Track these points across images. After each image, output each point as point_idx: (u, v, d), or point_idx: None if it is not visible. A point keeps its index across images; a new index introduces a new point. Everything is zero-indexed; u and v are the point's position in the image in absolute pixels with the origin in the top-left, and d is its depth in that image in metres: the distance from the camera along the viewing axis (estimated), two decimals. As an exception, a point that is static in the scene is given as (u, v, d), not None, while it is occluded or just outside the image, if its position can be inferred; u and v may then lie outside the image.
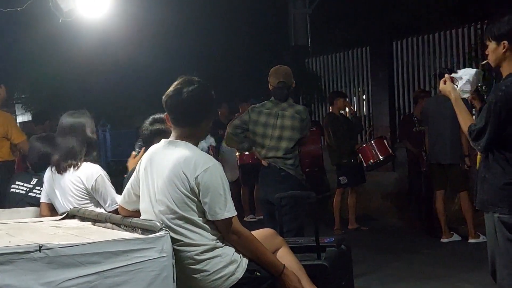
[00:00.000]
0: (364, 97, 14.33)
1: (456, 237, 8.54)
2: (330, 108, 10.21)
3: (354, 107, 12.59)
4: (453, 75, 3.94)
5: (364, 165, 9.47)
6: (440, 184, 8.51)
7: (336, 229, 9.62)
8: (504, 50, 3.70)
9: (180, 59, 13.41)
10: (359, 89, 14.40)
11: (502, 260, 3.73)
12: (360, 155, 9.46)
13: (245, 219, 10.76)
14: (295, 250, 4.07)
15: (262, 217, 10.94)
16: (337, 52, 14.72)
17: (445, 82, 3.93)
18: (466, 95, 3.94)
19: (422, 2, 13.53)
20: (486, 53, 3.82)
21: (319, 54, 15.26)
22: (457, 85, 3.90)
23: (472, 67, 11.19)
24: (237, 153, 10.74)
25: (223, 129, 11.25)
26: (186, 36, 13.86)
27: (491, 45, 3.76)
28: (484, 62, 3.93)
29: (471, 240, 8.28)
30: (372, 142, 9.51)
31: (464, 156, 8.18)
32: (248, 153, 10.78)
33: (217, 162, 3.54)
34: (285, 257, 3.81)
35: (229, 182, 3.57)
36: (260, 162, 6.04)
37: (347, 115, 10.38)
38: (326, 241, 4.36)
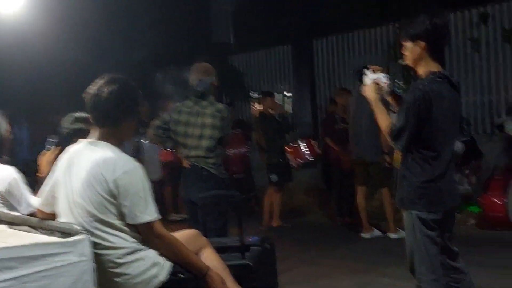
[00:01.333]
0: (286, 93, 14.45)
1: (376, 233, 8.72)
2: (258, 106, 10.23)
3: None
4: (371, 77, 3.99)
5: (292, 164, 9.55)
6: (362, 180, 8.67)
7: (262, 226, 9.68)
8: (420, 50, 3.76)
9: (100, 53, 13.13)
10: (282, 87, 14.52)
11: (420, 256, 3.82)
12: (288, 154, 9.54)
13: (168, 218, 10.65)
14: (219, 250, 4.05)
15: (185, 216, 10.94)
16: (259, 49, 14.80)
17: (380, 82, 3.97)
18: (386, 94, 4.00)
19: (342, 1, 13.71)
20: (403, 52, 3.86)
21: (241, 51, 15.29)
22: (380, 90, 3.96)
23: (391, 66, 11.59)
24: (160, 151, 10.65)
25: (144, 127, 11.17)
26: (106, 30, 13.58)
27: (407, 45, 3.81)
28: (402, 61, 3.97)
29: (391, 235, 8.47)
30: (300, 142, 9.59)
31: (384, 153, 8.36)
32: (171, 151, 10.70)
33: (138, 164, 3.45)
34: (209, 258, 3.78)
35: (151, 181, 3.50)
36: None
37: (276, 115, 10.44)
38: (250, 240, 4.35)
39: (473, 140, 9.81)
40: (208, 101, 5.83)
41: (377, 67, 4.04)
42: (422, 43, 3.74)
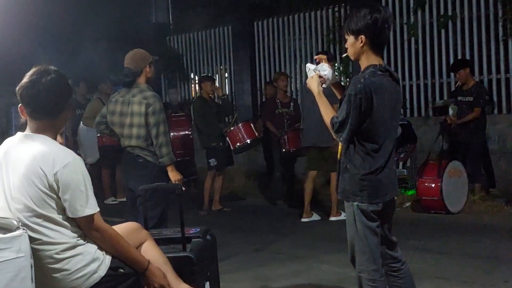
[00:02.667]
0: (226, 75, 14.42)
1: (315, 217, 8.82)
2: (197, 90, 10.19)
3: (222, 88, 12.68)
4: (312, 68, 4.01)
5: (232, 148, 9.54)
6: (314, 165, 8.72)
7: (202, 211, 9.66)
8: (362, 44, 3.80)
9: (32, 38, 12.76)
10: (221, 68, 14.47)
11: (360, 246, 3.87)
12: (228, 138, 9.52)
13: (105, 202, 10.53)
14: (160, 242, 4.03)
15: (123, 199, 10.84)
16: (199, 30, 14.69)
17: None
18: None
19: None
20: (346, 46, 3.91)
21: (181, 32, 15.16)
22: (323, 83, 3.98)
23: (330, 50, 11.69)
24: (97, 135, 10.48)
25: (81, 109, 10.97)
26: (38, 14, 13.19)
27: (350, 39, 3.85)
28: (345, 55, 4.02)
29: (332, 218, 8.58)
30: (240, 125, 9.57)
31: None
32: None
33: (78, 156, 3.40)
34: (150, 251, 3.75)
35: (89, 164, 3.45)
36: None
37: (216, 99, 10.41)
38: (191, 232, 4.34)
39: (409, 124, 10.00)
40: (138, 88, 5.77)
41: (322, 56, 4.07)
42: (364, 38, 3.78)
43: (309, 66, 4.03)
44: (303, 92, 8.71)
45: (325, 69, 3.99)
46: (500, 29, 10.02)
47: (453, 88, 10.09)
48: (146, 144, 5.71)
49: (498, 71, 10.15)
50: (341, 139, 3.78)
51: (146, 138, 5.70)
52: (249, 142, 9.54)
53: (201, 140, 9.82)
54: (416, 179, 8.95)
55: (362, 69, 3.84)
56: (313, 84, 3.96)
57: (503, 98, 10.13)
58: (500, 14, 9.96)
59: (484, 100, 9.07)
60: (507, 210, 8.59)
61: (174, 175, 5.73)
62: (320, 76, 3.96)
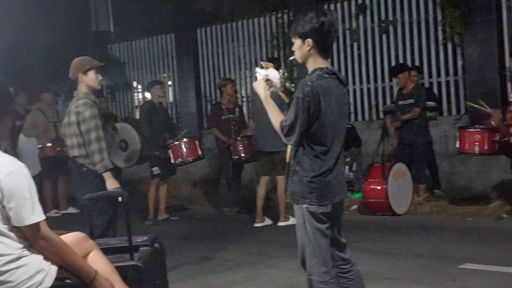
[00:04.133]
0: (170, 83, 14.33)
1: (268, 221, 8.81)
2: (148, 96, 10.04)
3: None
4: (260, 72, 4.00)
5: (172, 161, 9.43)
6: (265, 170, 8.72)
7: (148, 220, 9.51)
8: (309, 47, 3.82)
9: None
10: (165, 76, 14.37)
11: (311, 249, 3.86)
12: (170, 151, 9.40)
13: (48, 214, 10.25)
14: (107, 251, 3.95)
15: (66, 211, 10.61)
16: (141, 38, 14.57)
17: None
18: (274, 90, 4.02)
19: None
20: (293, 50, 3.91)
21: (123, 40, 15.00)
22: (270, 86, 3.96)
23: (274, 55, 11.74)
24: (39, 146, 10.26)
25: (21, 120, 10.71)
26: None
27: (297, 42, 3.87)
28: (292, 58, 4.02)
29: (280, 223, 8.57)
30: (185, 141, 9.46)
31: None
32: (50, 145, 10.33)
33: (22, 163, 3.32)
34: (97, 261, 3.67)
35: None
36: (64, 155, 5.92)
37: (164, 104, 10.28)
38: (139, 240, 4.27)
39: (353, 127, 10.11)
40: (76, 97, 5.79)
41: (269, 64, 4.07)
42: (310, 41, 3.79)
43: (258, 70, 4.01)
44: (253, 97, 8.70)
45: (273, 73, 3.99)
46: (440, 33, 10.22)
47: (396, 92, 10.27)
48: (87, 152, 5.69)
49: (438, 74, 10.34)
50: (291, 142, 3.79)
51: (87, 145, 5.68)
52: (190, 160, 9.49)
53: (144, 148, 9.64)
54: (362, 182, 9.03)
55: (309, 72, 3.86)
56: (260, 88, 3.95)
57: (444, 101, 10.32)
58: (439, 18, 10.16)
59: (423, 101, 9.20)
60: (451, 210, 8.73)
61: (110, 183, 5.66)
62: (267, 80, 3.95)
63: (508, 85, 9.44)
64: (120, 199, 4.52)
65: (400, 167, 8.92)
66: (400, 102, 9.34)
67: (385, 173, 8.67)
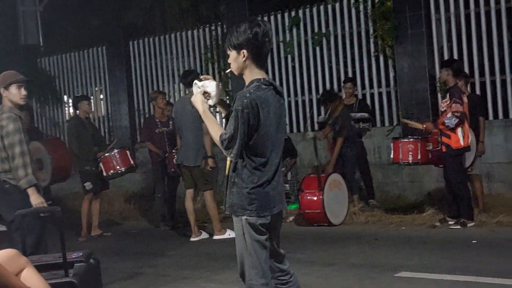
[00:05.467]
0: (101, 96, 14.12)
1: (204, 235, 8.73)
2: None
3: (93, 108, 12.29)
4: (199, 84, 3.95)
5: (104, 174, 9.26)
6: (188, 184, 8.66)
7: (81, 237, 9.29)
8: (244, 58, 3.80)
9: None
10: (96, 89, 14.16)
11: (250, 261, 3.83)
12: (101, 163, 9.24)
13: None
14: (41, 268, 3.83)
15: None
16: (72, 51, 14.33)
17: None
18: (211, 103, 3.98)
19: (156, 3, 13.68)
20: (229, 62, 3.89)
21: (52, 53, 14.72)
22: (208, 99, 3.92)
23: (208, 68, 11.73)
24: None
25: None
26: None
27: (232, 54, 3.84)
28: (228, 70, 4.00)
29: (216, 237, 8.51)
30: (115, 152, 9.32)
31: (208, 157, 8.40)
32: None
33: None
34: (30, 278, 3.56)
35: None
36: None
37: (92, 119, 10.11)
38: (74, 256, 4.15)
39: (288, 138, 10.15)
40: (1, 111, 5.66)
41: (207, 76, 4.03)
42: (245, 52, 3.78)
43: (196, 82, 3.96)
44: (178, 110, 8.67)
45: (211, 86, 3.94)
46: (372, 45, 10.40)
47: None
48: (10, 167, 5.54)
49: (371, 86, 10.52)
50: (232, 155, 3.75)
51: (10, 161, 5.53)
52: (123, 170, 9.37)
53: (75, 163, 9.44)
54: (298, 193, 9.06)
55: (246, 83, 3.84)
56: (198, 102, 3.91)
57: (377, 112, 10.49)
58: (371, 31, 10.34)
59: (346, 127, 9.31)
60: (386, 220, 8.85)
61: (34, 199, 5.51)
62: (205, 92, 3.90)
63: (439, 95, 9.67)
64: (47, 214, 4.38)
65: (335, 178, 8.99)
66: (330, 121, 9.43)
67: (321, 184, 8.73)
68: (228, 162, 3.87)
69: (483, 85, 9.54)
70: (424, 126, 8.21)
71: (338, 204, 8.95)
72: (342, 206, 9.02)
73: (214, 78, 10.66)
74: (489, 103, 9.41)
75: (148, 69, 13.25)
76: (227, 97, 11.09)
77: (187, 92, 8.65)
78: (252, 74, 3.82)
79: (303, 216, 9.00)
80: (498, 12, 9.31)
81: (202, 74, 3.93)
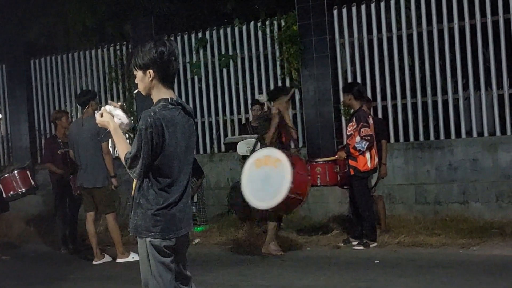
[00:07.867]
0: (0, 116, 13.61)
1: (107, 258, 8.50)
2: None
3: None
4: (108, 110, 3.85)
5: (4, 196, 8.90)
6: (88, 206, 8.46)
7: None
8: (150, 78, 3.74)
9: None
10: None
11: (154, 283, 3.75)
12: (0, 185, 8.87)
13: None
14: None
15: None
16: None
17: (102, 115, 3.85)
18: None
19: (59, 20, 13.39)
20: (136, 82, 3.82)
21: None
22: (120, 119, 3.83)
23: (112, 87, 11.52)
24: None
25: None
26: None
27: (138, 74, 3.78)
28: (136, 91, 3.92)
29: (119, 260, 8.31)
30: (15, 173, 8.99)
31: (111, 177, 8.22)
32: None
33: None
34: None
35: None
36: None
37: None
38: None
39: (194, 159, 10.07)
40: None
41: (116, 104, 3.93)
42: (152, 72, 3.72)
43: (106, 107, 3.87)
44: (73, 132, 8.45)
45: (120, 114, 3.86)
46: (278, 68, 10.51)
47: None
48: None
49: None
50: (135, 175, 3.68)
51: None
52: (24, 191, 9.08)
53: None
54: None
55: (154, 103, 3.77)
56: (107, 120, 3.81)
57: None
58: (277, 54, 10.46)
59: None
60: (292, 241, 8.89)
61: None
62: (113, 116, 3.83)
63: (343, 118, 9.86)
64: None
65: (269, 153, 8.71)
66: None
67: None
68: (134, 183, 3.78)
69: (385, 108, 9.81)
70: (336, 156, 8.33)
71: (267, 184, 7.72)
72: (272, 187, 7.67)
73: (119, 98, 10.51)
74: (391, 126, 9.67)
75: (50, 88, 12.91)
76: (132, 117, 10.91)
77: (83, 112, 8.46)
78: (160, 94, 3.77)
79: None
80: (400, 38, 9.62)
81: (106, 95, 3.82)
